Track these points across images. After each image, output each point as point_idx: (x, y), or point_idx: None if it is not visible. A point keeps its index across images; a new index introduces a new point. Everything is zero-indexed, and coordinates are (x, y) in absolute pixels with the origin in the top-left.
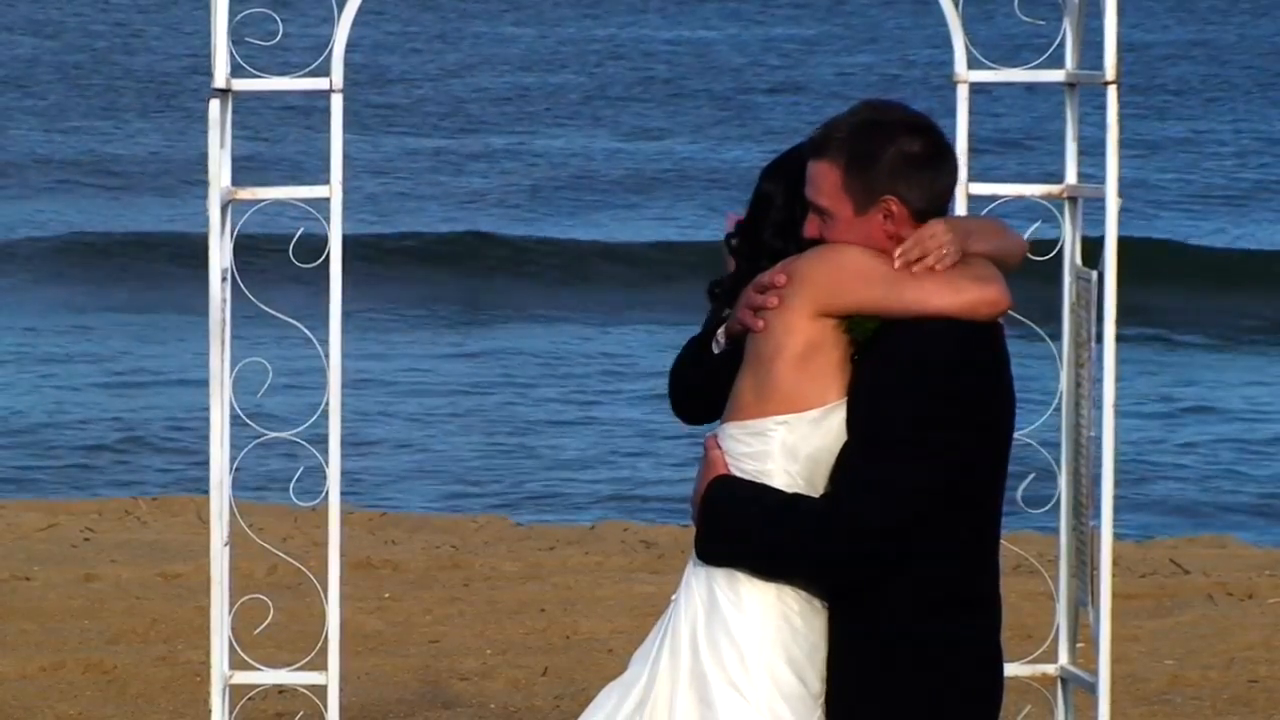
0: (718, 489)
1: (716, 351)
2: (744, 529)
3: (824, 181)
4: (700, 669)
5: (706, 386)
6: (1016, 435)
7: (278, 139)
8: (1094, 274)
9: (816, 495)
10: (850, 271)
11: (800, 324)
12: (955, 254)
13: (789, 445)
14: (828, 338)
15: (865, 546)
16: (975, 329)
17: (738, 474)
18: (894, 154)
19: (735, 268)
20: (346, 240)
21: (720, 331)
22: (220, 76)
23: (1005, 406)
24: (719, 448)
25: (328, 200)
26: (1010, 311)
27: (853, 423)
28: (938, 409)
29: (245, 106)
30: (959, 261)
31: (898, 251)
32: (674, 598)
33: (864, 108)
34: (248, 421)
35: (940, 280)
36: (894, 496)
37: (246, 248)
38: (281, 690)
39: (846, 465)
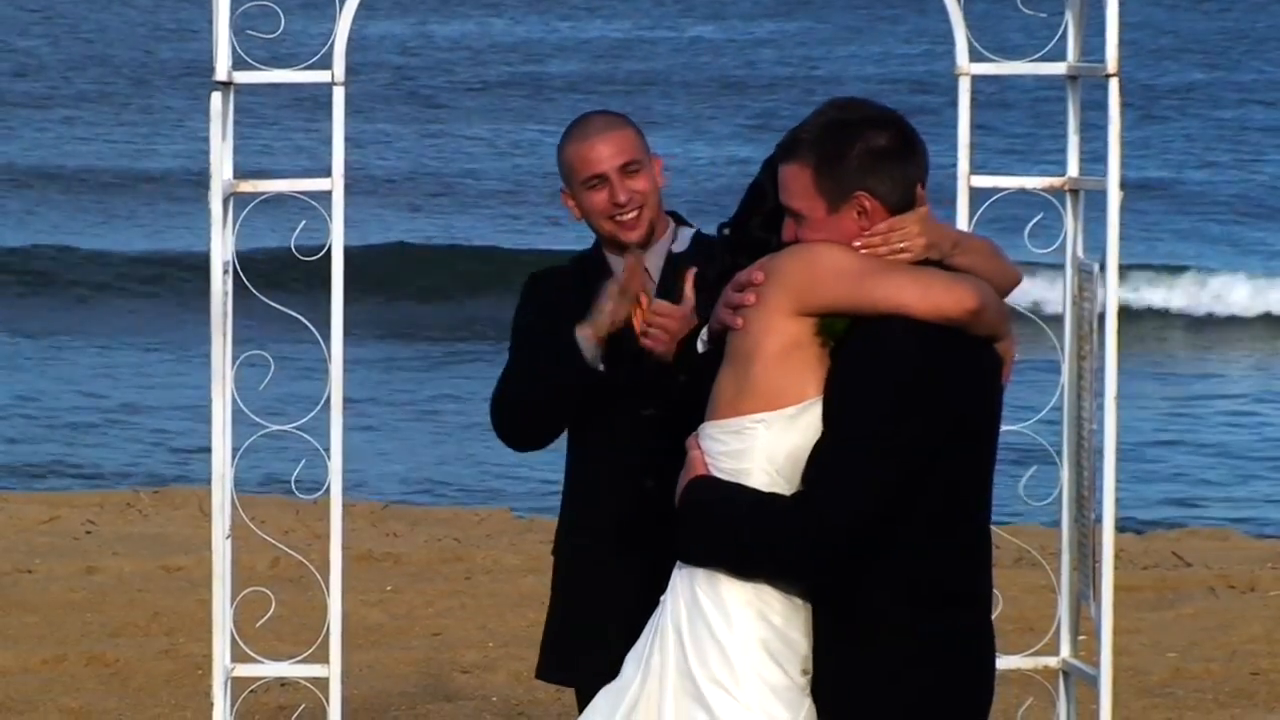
0: (696, 489)
1: (701, 351)
2: (719, 529)
3: (795, 183)
4: (687, 668)
5: (549, 419)
6: (1018, 428)
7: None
8: (1095, 266)
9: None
10: (824, 269)
11: (777, 323)
12: (919, 252)
13: (768, 443)
14: (805, 335)
15: (831, 543)
16: (942, 326)
17: (716, 474)
18: (861, 150)
19: (723, 261)
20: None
21: (703, 331)
22: (222, 69)
23: (978, 400)
24: (699, 448)
25: (329, 193)
26: (985, 314)
27: (824, 419)
28: (901, 404)
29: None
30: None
31: (858, 243)
32: (663, 598)
33: (829, 107)
34: (250, 415)
35: (911, 280)
36: (857, 492)
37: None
38: (283, 683)
39: (816, 461)
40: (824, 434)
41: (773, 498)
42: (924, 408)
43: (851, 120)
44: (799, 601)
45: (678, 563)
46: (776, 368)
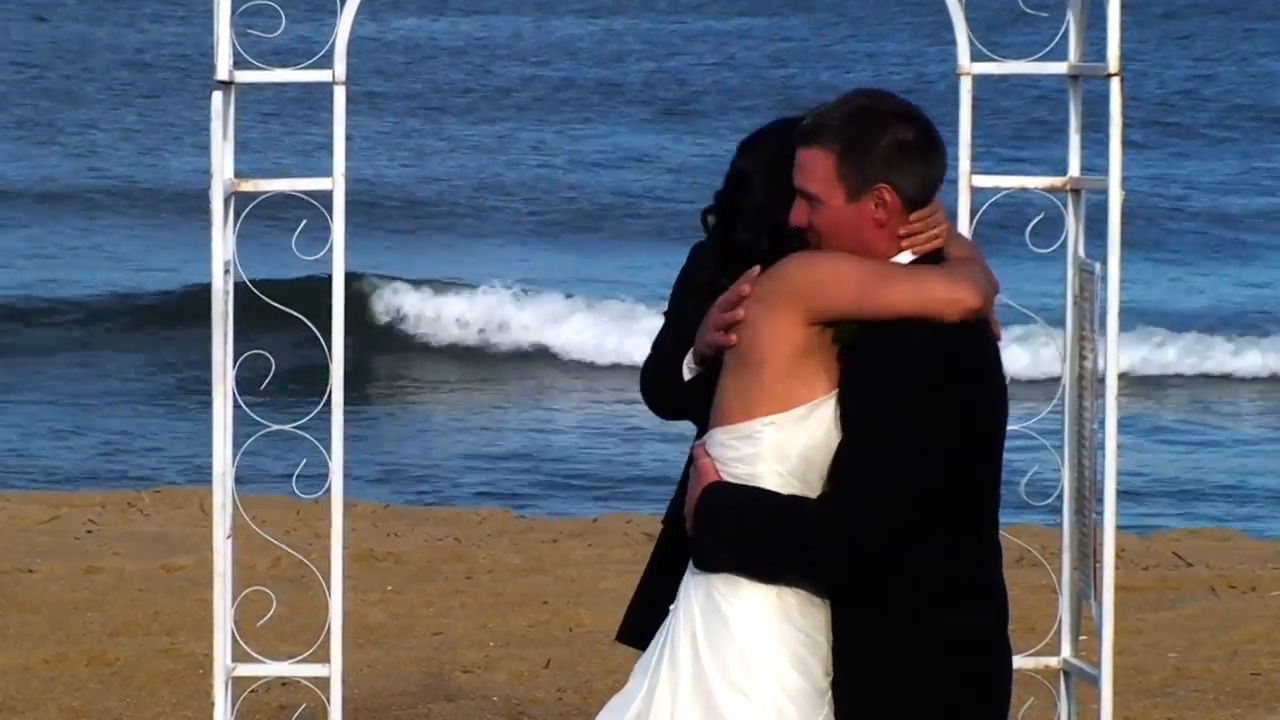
0: (711, 496)
1: (689, 377)
2: (741, 535)
3: (816, 168)
4: (703, 675)
5: (686, 398)
6: (1020, 428)
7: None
8: (1097, 265)
9: (811, 494)
10: (826, 278)
11: (787, 330)
12: (942, 241)
13: (778, 445)
14: (815, 341)
15: (864, 545)
16: (951, 326)
17: (729, 479)
18: (889, 142)
19: (712, 260)
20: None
21: (689, 356)
22: (223, 68)
23: (993, 393)
24: (708, 455)
25: (330, 192)
26: (985, 312)
27: (843, 422)
28: (924, 403)
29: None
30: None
31: (903, 231)
32: (672, 607)
33: (856, 96)
34: (250, 414)
35: (910, 283)
36: (888, 494)
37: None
38: (284, 682)
39: (840, 465)
40: (846, 435)
41: (796, 500)
42: (946, 406)
43: (880, 111)
44: (819, 601)
45: (689, 572)
46: (788, 373)
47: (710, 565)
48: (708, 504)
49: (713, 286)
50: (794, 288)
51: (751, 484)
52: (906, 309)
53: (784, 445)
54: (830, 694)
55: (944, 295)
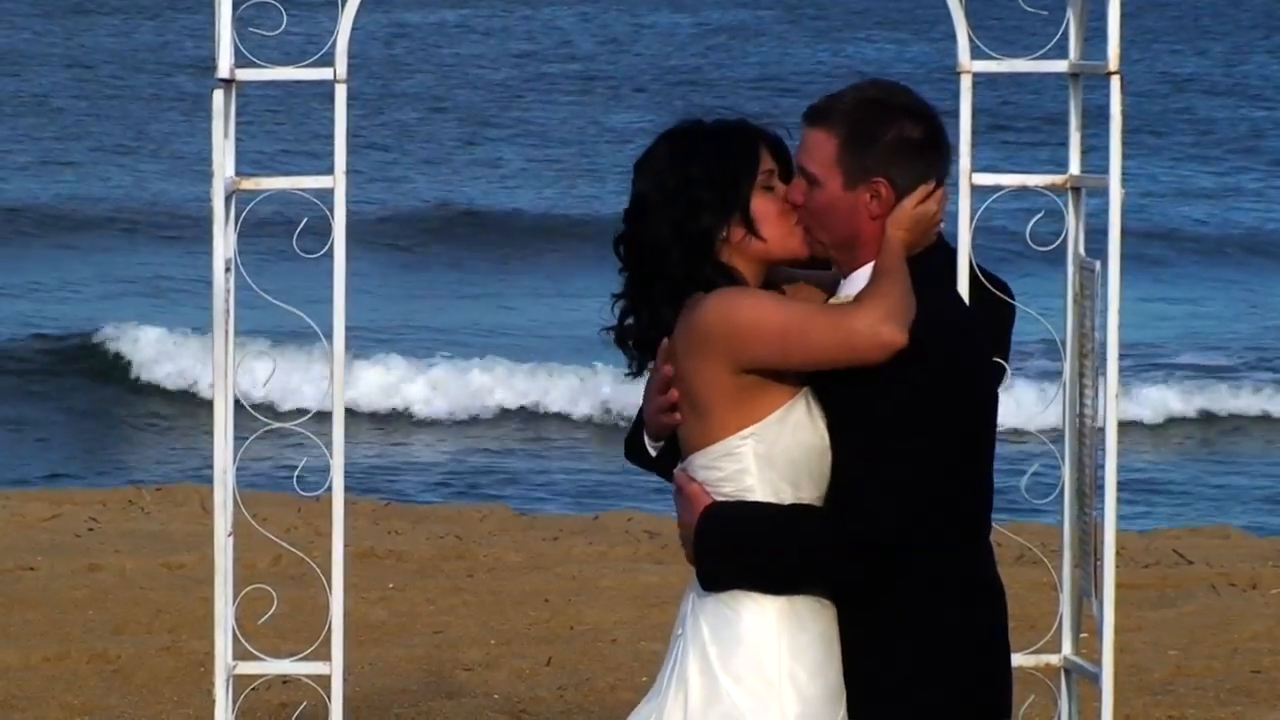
0: (711, 520)
1: (654, 454)
2: (748, 553)
3: (819, 151)
4: (719, 691)
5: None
6: (1020, 426)
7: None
8: (1097, 264)
9: (802, 495)
10: (747, 329)
11: (720, 377)
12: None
13: (762, 455)
14: (753, 375)
15: (885, 550)
16: (950, 320)
17: (721, 500)
18: (893, 137)
19: (630, 315)
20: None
21: (646, 436)
22: (224, 66)
23: (989, 389)
24: (694, 481)
25: (332, 190)
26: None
27: (842, 427)
28: (931, 403)
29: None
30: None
31: (891, 219)
32: (677, 633)
33: (870, 85)
34: (251, 412)
35: (829, 332)
36: (904, 496)
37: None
38: (285, 680)
39: (845, 471)
40: (847, 442)
41: (800, 510)
42: (951, 405)
43: (890, 104)
44: (828, 602)
45: (694, 594)
46: (743, 400)
47: (719, 586)
48: (708, 529)
49: (644, 342)
50: (716, 338)
51: (745, 499)
52: (829, 359)
53: (767, 453)
54: (845, 695)
55: (865, 341)
